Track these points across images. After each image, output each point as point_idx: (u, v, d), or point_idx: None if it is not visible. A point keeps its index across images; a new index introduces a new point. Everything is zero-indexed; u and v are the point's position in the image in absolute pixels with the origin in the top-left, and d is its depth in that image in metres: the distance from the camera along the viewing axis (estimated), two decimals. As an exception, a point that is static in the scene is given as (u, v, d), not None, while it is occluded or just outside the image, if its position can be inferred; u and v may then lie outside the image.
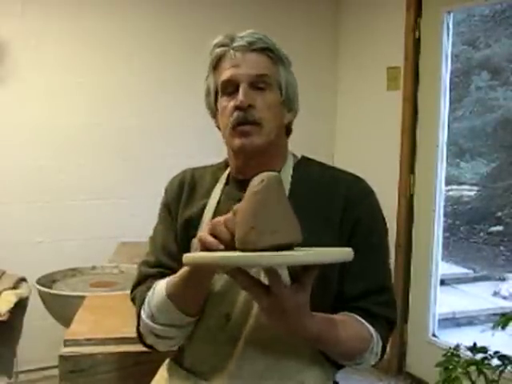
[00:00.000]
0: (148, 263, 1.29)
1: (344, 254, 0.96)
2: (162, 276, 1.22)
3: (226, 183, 1.29)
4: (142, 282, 1.26)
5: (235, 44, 1.19)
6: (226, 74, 1.20)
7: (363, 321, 1.15)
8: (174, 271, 1.17)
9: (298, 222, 0.98)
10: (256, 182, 0.98)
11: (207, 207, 1.25)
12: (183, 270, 1.11)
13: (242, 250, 0.95)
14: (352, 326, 1.13)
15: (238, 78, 1.18)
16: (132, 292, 1.29)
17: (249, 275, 0.96)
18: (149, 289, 1.21)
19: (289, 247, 0.94)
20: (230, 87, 1.20)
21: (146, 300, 1.20)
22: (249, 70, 1.18)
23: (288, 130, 1.30)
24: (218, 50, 1.21)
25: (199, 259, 0.97)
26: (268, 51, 1.20)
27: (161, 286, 1.17)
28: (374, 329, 1.16)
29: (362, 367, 1.19)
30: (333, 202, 1.20)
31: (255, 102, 1.18)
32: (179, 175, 1.35)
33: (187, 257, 0.98)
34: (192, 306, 1.15)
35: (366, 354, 1.15)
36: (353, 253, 0.96)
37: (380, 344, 1.18)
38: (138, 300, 1.24)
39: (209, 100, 1.27)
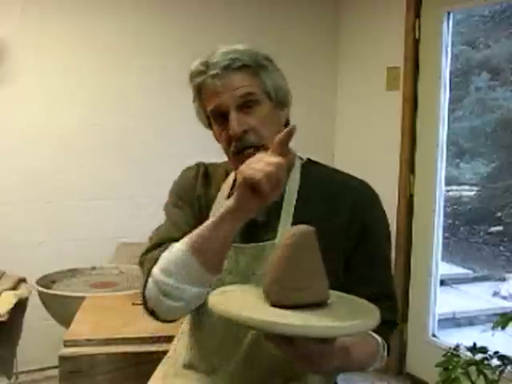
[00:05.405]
0: (160, 238, 1.23)
1: (369, 324, 0.93)
2: None
3: (235, 179, 1.27)
4: (154, 248, 1.21)
5: (212, 72, 1.16)
6: (210, 103, 1.18)
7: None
8: None
9: (326, 280, 0.95)
10: (288, 235, 0.95)
11: (216, 200, 1.25)
12: (208, 223, 1.08)
13: (268, 301, 0.93)
14: (363, 345, 1.12)
15: (224, 106, 1.16)
16: (141, 257, 1.23)
17: None
18: (162, 251, 1.15)
19: (316, 304, 0.92)
20: (219, 116, 1.18)
21: (162, 257, 1.13)
22: (232, 94, 1.15)
23: (286, 125, 1.25)
24: (197, 80, 1.19)
25: (222, 311, 0.92)
26: (245, 67, 1.16)
27: (181, 243, 1.11)
28: (379, 336, 1.16)
29: (368, 371, 1.19)
30: (340, 207, 1.20)
31: (249, 125, 1.15)
32: (193, 167, 1.35)
33: (215, 305, 0.94)
34: (215, 259, 1.09)
35: (374, 363, 1.16)
36: (379, 319, 0.94)
37: (386, 348, 1.18)
38: (148, 261, 1.18)
39: (201, 118, 1.26)
